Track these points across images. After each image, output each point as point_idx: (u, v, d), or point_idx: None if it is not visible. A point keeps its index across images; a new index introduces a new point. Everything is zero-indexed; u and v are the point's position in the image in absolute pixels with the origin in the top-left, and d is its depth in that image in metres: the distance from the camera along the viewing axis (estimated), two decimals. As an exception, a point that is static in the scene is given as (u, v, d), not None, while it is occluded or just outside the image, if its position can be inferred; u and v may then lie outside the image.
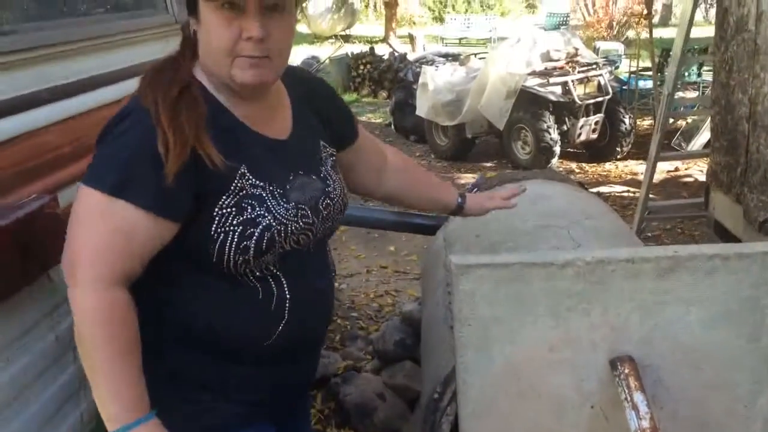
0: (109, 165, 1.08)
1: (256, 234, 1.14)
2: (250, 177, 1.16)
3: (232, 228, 1.13)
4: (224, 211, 1.13)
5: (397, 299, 4.09)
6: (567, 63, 6.76)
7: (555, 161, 6.77)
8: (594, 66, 6.82)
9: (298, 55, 15.33)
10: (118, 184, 1.05)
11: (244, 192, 1.15)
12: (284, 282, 1.22)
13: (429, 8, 24.76)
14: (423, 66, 7.90)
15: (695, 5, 3.74)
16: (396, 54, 11.91)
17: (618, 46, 13.55)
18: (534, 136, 6.64)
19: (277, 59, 1.16)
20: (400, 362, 2.86)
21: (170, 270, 1.17)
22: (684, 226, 4.98)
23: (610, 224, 2.24)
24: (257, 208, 1.15)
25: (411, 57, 12.33)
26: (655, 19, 13.74)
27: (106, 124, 1.13)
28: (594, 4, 17.96)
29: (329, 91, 1.46)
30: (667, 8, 21.60)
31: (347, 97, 11.79)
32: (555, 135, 6.58)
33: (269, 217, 1.16)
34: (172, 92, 1.11)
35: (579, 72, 6.66)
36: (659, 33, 9.47)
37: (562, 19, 18.47)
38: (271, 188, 1.18)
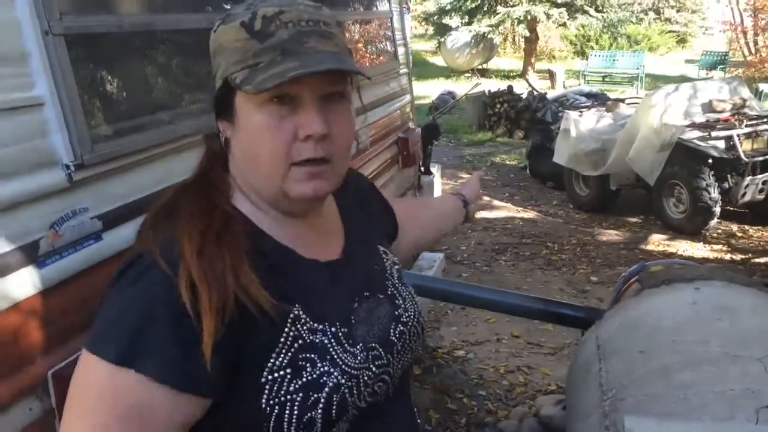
0: (115, 325, 0.79)
1: (323, 400, 0.84)
2: (307, 319, 0.87)
3: (290, 397, 0.83)
4: (276, 375, 0.83)
5: (529, 378, 3.73)
6: (732, 115, 6.06)
7: (713, 223, 6.08)
8: (765, 119, 6.07)
9: (434, 89, 15.31)
10: (127, 348, 0.77)
11: (301, 342, 0.86)
12: None
13: (571, 42, 23.94)
14: (566, 111, 7.44)
15: None
16: (535, 93, 11.48)
17: (785, 89, 12.35)
18: (690, 194, 6.00)
19: (338, 162, 0.90)
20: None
21: None
22: None
23: (820, 357, 1.79)
24: (319, 364, 0.86)
25: (550, 95, 11.85)
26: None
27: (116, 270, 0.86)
28: (756, 43, 16.54)
29: (368, 183, 1.23)
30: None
31: (481, 136, 11.50)
32: (715, 194, 5.90)
33: (336, 373, 0.86)
34: (211, 228, 0.84)
35: (747, 125, 5.95)
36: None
37: (719, 57, 17.14)
38: (333, 329, 0.89)
